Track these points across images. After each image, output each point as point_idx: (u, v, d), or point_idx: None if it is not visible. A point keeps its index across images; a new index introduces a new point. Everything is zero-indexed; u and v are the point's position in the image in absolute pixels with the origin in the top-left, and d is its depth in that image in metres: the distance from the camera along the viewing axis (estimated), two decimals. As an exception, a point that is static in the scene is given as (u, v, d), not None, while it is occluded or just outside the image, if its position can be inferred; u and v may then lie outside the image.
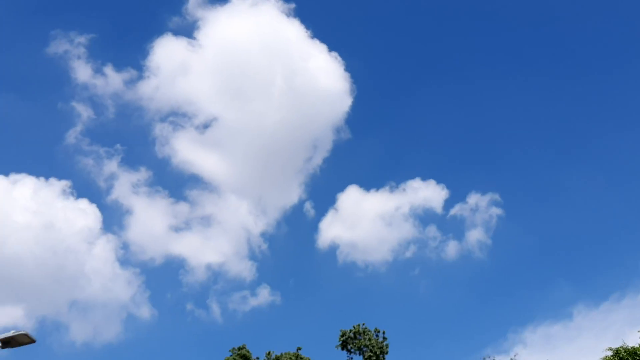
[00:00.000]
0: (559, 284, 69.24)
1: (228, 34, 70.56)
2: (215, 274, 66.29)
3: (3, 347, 14.81)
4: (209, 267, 65.71)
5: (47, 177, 66.89)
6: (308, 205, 72.15)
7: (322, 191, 77.71)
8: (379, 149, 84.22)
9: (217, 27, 71.95)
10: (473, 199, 71.74)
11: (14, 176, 57.06)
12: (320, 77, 71.75)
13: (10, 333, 14.70)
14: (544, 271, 72.31)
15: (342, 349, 39.74)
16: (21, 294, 53.85)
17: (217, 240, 68.89)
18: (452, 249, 69.64)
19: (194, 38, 71.92)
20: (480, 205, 71.07)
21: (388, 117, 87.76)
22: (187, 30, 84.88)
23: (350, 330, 39.84)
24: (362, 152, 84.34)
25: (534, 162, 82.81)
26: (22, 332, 14.66)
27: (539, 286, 70.94)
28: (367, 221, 71.50)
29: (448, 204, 72.37)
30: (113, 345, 58.56)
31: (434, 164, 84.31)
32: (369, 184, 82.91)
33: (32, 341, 15.08)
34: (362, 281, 69.72)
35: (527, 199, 79.96)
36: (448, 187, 72.64)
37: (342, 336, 39.71)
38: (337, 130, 74.55)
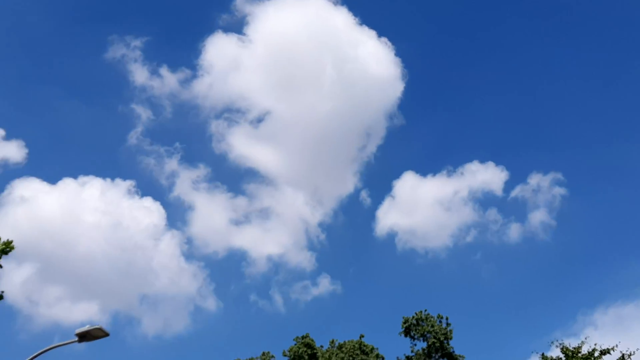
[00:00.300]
0: (629, 262, 66.57)
1: (276, 27, 71.08)
2: (276, 265, 67.30)
3: (80, 341, 15.55)
4: (269, 258, 66.77)
5: (112, 178, 69.58)
6: (364, 194, 72.07)
7: (378, 179, 77.43)
8: (434, 134, 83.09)
9: (265, 22, 72.57)
10: (534, 179, 69.88)
11: (82, 178, 59.64)
12: (370, 64, 71.26)
13: (86, 327, 15.41)
14: (612, 250, 69.73)
15: (405, 335, 39.56)
16: (95, 290, 56.36)
17: (276, 232, 69.86)
18: (514, 232, 68.08)
19: (244, 34, 72.81)
20: (543, 186, 69.13)
21: (441, 100, 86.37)
22: (237, 27, 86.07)
23: (413, 317, 39.58)
24: (417, 137, 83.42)
25: (596, 139, 79.73)
26: (97, 326, 15.35)
27: (608, 266, 68.45)
28: (424, 207, 70.82)
29: (508, 185, 70.84)
30: (183, 337, 60.53)
31: (492, 145, 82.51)
32: (425, 169, 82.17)
33: (106, 334, 15.77)
34: (422, 268, 69.21)
35: (592, 177, 77.23)
36: (508, 169, 71.05)
37: (404, 323, 39.52)
38: (390, 117, 73.96)
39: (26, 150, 59.46)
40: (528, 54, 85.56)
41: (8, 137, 64.18)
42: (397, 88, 72.06)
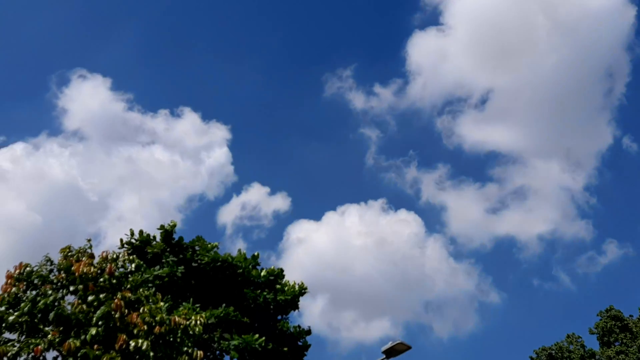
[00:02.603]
0: None
1: (471, 3, 68.57)
2: (550, 243, 63.39)
3: (387, 357, 16.51)
4: (540, 238, 63.25)
5: (365, 201, 73.64)
6: (627, 141, 64.26)
7: (638, 119, 68.27)
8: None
9: (458, 3, 70.59)
10: None
11: (340, 208, 64.44)
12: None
13: (389, 344, 16.32)
14: None
15: None
16: (381, 307, 59.64)
17: (539, 210, 66.07)
18: None
19: (441, 23, 72.03)
20: None
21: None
22: (432, 20, 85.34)
23: None
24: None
25: None
26: (398, 341, 16.14)
27: None
28: None
29: None
30: (476, 334, 60.29)
31: None
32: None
33: (408, 348, 16.48)
34: None
35: None
36: None
37: None
38: (630, 48, 65.22)
39: (289, 199, 66.58)
40: None
41: (272, 192, 72.51)
42: (627, 13, 63.48)
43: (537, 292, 62.68)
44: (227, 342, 19.80)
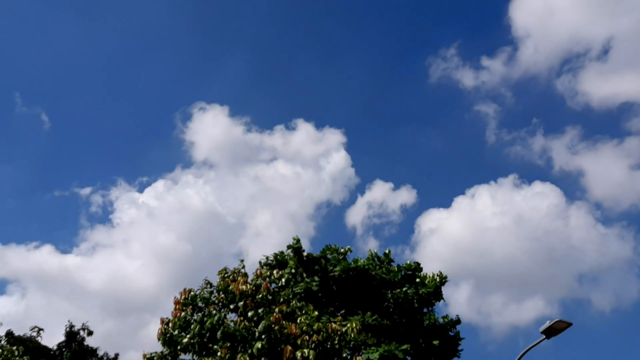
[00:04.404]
0: None
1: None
2: None
3: (547, 337, 15.93)
4: None
5: (495, 179, 71.34)
6: None
7: None
8: None
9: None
10: None
11: (469, 191, 62.87)
12: None
13: (547, 323, 15.74)
14: None
15: None
16: (531, 287, 57.18)
17: None
18: None
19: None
20: None
21: None
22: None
23: None
24: None
25: None
26: (557, 319, 15.53)
27: None
28: None
29: None
30: (643, 302, 55.90)
31: None
32: None
33: (569, 324, 15.79)
34: None
35: None
36: None
37: None
38: None
39: (414, 190, 65.96)
40: None
41: (396, 187, 72.22)
42: None
43: None
44: (367, 352, 19.60)
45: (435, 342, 20.91)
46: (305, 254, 23.27)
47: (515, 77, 69.69)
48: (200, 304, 13.85)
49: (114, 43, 75.18)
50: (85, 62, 74.43)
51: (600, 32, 64.10)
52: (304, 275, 22.76)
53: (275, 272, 14.46)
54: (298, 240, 23.42)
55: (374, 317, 20.56)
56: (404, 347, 19.63)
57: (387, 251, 24.38)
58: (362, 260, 22.94)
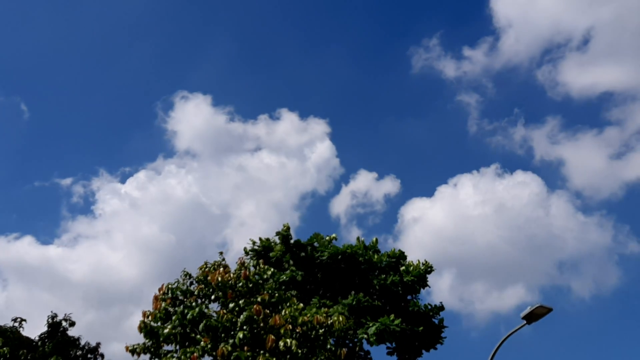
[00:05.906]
0: None
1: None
2: None
3: (528, 322, 16.08)
4: None
5: (477, 169, 71.57)
6: None
7: None
8: None
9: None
10: None
11: (451, 180, 63.17)
12: None
13: (528, 309, 15.88)
14: None
15: None
16: (512, 274, 57.68)
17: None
18: None
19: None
20: None
21: None
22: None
23: None
24: None
25: None
26: (537, 305, 15.68)
27: None
28: None
29: None
30: (621, 289, 56.75)
31: None
32: None
33: (550, 310, 15.95)
34: None
35: None
36: None
37: None
38: None
39: (398, 180, 66.06)
40: None
41: (380, 177, 72.19)
42: None
43: None
44: (364, 329, 20.12)
45: (419, 329, 21.09)
46: (292, 241, 23.34)
47: (496, 68, 69.83)
48: (180, 297, 13.80)
49: (94, 30, 74.00)
50: (65, 50, 73.28)
51: (580, 22, 64.32)
52: (291, 262, 22.84)
53: (261, 262, 14.46)
54: (288, 228, 23.52)
55: (366, 299, 20.84)
56: (397, 321, 20.18)
57: (374, 239, 24.48)
58: (350, 245, 23.18)
